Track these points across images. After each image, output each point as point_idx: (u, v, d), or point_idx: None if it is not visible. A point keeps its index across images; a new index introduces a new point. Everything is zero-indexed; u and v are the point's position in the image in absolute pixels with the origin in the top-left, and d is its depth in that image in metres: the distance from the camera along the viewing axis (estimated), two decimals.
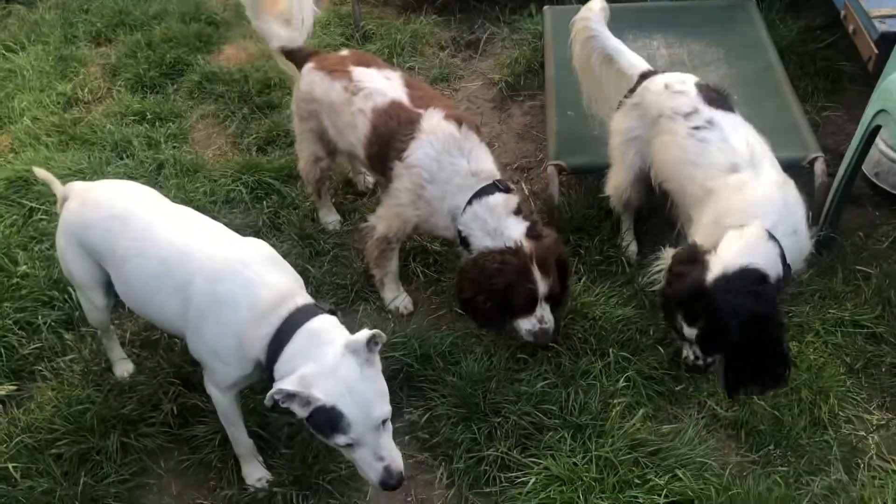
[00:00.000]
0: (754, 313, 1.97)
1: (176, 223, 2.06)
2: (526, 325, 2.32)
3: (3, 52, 4.17)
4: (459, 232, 2.37)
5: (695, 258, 2.05)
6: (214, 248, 1.96)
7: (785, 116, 2.94)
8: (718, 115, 2.30)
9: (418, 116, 2.41)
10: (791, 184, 2.19)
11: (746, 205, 2.09)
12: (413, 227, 2.51)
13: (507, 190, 2.36)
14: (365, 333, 1.74)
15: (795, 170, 2.73)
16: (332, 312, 1.91)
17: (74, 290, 2.70)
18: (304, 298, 1.91)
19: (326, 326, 1.83)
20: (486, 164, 2.38)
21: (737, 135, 2.24)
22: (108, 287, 2.20)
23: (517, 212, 2.32)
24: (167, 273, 1.96)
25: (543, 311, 2.31)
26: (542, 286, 2.28)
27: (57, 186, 2.38)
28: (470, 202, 2.32)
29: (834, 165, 2.78)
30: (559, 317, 2.41)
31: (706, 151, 2.24)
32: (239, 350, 1.89)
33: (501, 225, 2.29)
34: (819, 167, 2.72)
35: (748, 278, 1.98)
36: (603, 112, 2.81)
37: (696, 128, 2.28)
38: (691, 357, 2.14)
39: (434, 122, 2.38)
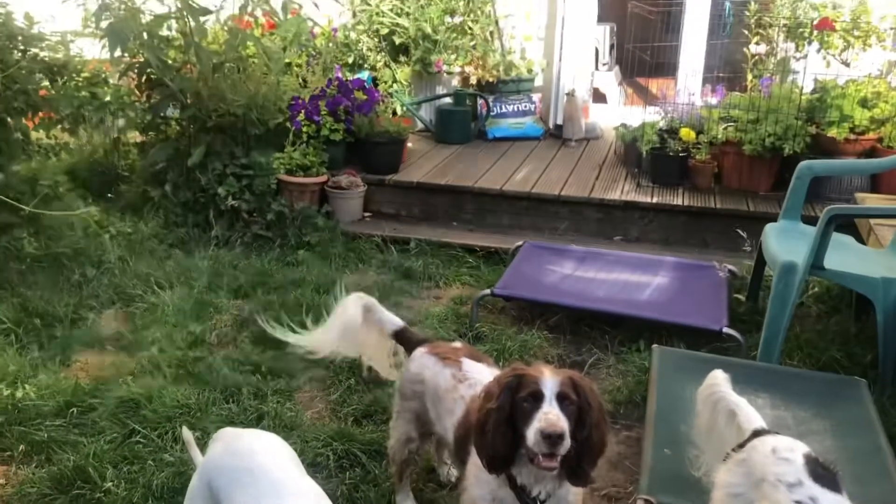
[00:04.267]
0: None
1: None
2: (534, 425, 2.11)
3: (155, 287, 4.63)
4: None
5: None
6: None
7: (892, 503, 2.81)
8: (823, 495, 2.22)
9: None
10: None
11: None
12: None
13: None
14: None
15: None
16: None
17: None
18: None
19: None
20: None
21: None
22: None
23: None
24: None
25: (552, 407, 2.12)
26: (550, 381, 2.15)
27: (195, 451, 2.51)
28: None
29: None
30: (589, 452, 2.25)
31: None
32: None
33: None
34: None
35: None
36: (711, 464, 2.77)
37: (799, 502, 2.22)
38: None
39: None
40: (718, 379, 2.80)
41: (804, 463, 2.32)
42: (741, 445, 2.52)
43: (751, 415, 2.65)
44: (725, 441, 2.66)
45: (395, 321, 3.06)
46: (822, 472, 2.31)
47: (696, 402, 2.84)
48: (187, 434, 2.61)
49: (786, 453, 2.38)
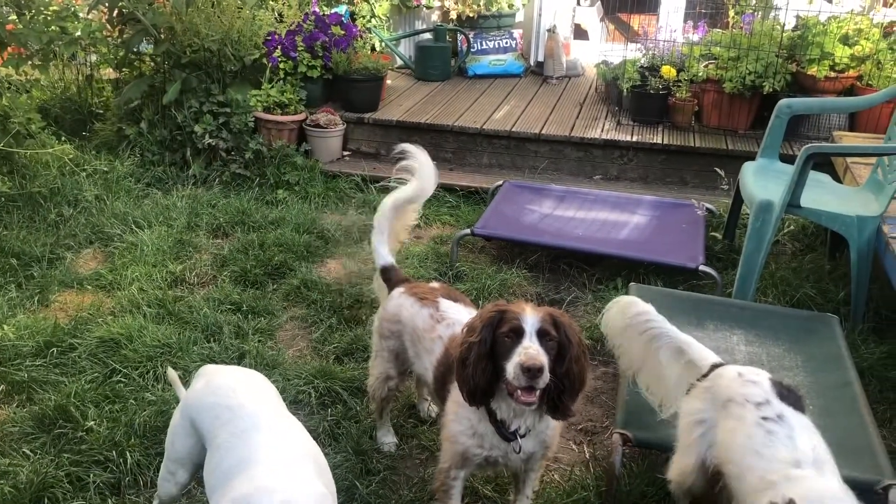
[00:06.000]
0: None
1: (270, 440, 2.06)
2: (514, 359, 2.15)
3: (133, 227, 4.59)
4: None
5: None
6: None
7: (860, 437, 2.89)
8: (789, 413, 2.31)
9: None
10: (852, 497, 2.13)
11: (807, 491, 2.04)
12: (464, 452, 2.43)
13: None
14: None
15: (866, 495, 2.64)
16: None
17: (131, 452, 2.77)
18: None
19: None
20: None
21: (804, 436, 2.24)
22: (197, 468, 2.24)
23: None
24: (229, 480, 1.97)
25: (532, 343, 2.17)
26: (531, 317, 2.19)
27: (180, 389, 2.53)
28: None
29: None
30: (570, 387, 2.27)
31: (772, 443, 2.23)
32: None
33: None
34: (894, 495, 2.62)
35: None
36: (659, 399, 2.81)
37: (766, 418, 2.29)
38: None
39: None
40: (651, 313, 2.78)
41: (770, 385, 2.40)
42: (705, 376, 2.58)
43: (703, 351, 2.70)
44: (667, 374, 2.69)
45: (386, 256, 3.08)
46: (787, 393, 2.39)
47: (610, 327, 2.85)
48: (172, 374, 2.63)
49: (752, 376, 2.46)
